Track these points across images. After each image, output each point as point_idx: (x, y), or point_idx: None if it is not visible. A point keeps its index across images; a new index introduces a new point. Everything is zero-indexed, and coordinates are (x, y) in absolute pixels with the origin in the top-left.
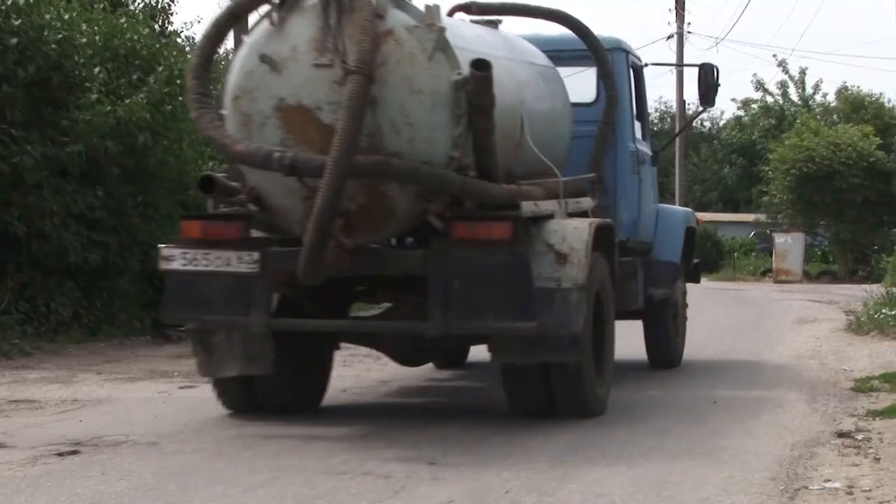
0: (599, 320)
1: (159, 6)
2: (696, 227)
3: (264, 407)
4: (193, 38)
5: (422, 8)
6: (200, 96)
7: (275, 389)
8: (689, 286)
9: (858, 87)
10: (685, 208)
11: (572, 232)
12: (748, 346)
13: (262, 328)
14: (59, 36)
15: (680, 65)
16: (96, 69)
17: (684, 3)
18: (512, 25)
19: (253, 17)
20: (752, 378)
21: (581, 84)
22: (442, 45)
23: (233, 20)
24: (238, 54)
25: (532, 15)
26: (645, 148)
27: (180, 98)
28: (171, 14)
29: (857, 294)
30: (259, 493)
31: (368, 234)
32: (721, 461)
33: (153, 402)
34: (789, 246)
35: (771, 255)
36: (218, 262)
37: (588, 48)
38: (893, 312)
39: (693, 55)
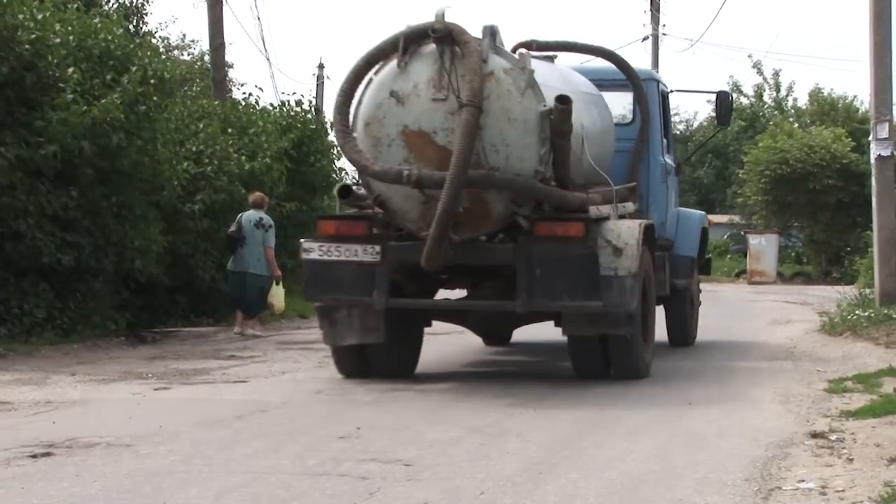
0: (645, 301)
1: (133, 6)
2: (708, 228)
3: (374, 372)
4: (167, 39)
5: (515, 54)
6: (344, 128)
7: (383, 357)
8: None
9: (832, 89)
10: (700, 211)
11: (626, 230)
12: (722, 347)
13: (383, 306)
14: (33, 36)
15: (698, 91)
16: (70, 69)
17: (659, 4)
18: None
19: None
20: (726, 379)
21: (619, 107)
22: (531, 84)
23: (369, 67)
24: (368, 89)
25: (582, 52)
26: (670, 160)
27: (154, 98)
28: (145, 14)
29: (831, 295)
30: (234, 495)
31: (470, 231)
32: (695, 462)
33: (127, 403)
34: (763, 247)
35: (745, 256)
36: (347, 253)
37: (626, 78)
38: (866, 314)
39: (668, 57)
